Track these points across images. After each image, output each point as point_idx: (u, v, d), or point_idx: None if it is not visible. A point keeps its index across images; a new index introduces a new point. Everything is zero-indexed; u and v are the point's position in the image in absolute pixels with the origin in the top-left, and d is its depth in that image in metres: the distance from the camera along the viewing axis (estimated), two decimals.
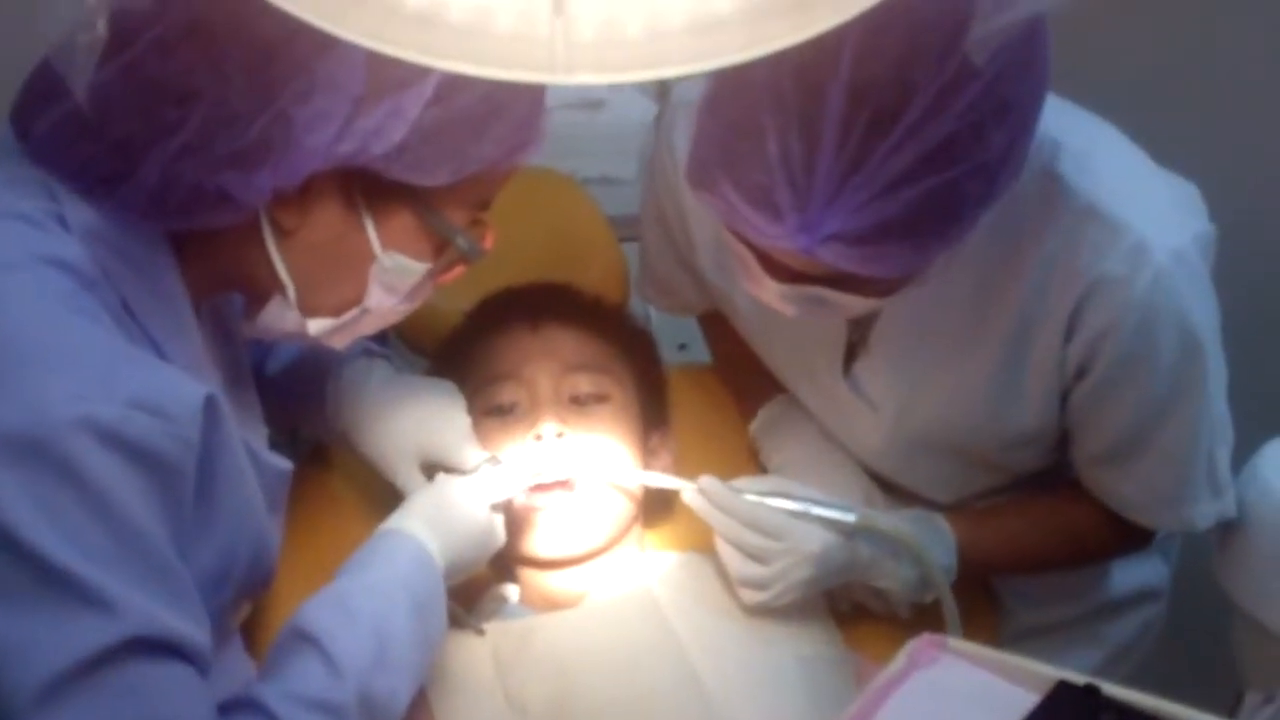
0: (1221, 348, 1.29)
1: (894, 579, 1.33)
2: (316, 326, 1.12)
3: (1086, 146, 1.24)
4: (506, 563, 1.39)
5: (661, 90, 2.48)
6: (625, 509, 1.39)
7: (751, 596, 1.30)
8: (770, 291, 1.18)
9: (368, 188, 1.05)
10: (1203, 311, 1.25)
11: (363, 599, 1.12)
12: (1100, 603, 1.58)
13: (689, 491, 1.32)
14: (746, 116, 1.07)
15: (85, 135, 0.99)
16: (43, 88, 1.01)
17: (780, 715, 1.25)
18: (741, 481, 1.32)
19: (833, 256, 1.08)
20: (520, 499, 1.31)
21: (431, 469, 1.30)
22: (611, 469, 1.36)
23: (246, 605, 1.20)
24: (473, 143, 1.04)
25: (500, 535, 1.28)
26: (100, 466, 0.91)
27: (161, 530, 0.95)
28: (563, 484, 1.33)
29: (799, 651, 1.33)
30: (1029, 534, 1.42)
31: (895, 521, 1.33)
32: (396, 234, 1.08)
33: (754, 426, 1.53)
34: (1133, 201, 1.23)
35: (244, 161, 0.98)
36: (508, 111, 1.05)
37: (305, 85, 0.98)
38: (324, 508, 1.44)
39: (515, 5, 0.68)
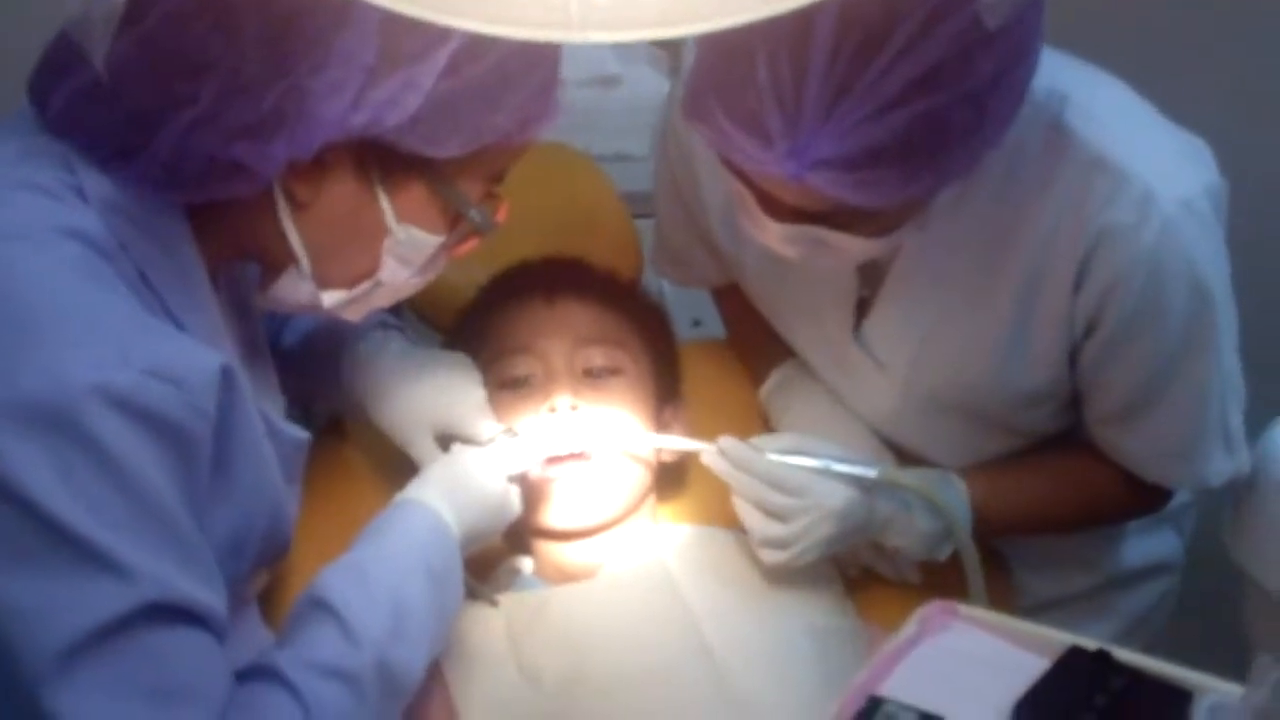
0: (1233, 301, 1.28)
1: (910, 535, 1.33)
2: (330, 299, 1.12)
3: (1093, 99, 1.24)
4: (520, 535, 1.40)
5: (674, 65, 2.48)
6: (639, 480, 1.40)
7: (772, 556, 1.30)
8: (771, 233, 1.19)
9: (381, 160, 1.06)
10: (1213, 262, 1.25)
11: (379, 568, 1.12)
12: (1113, 575, 1.58)
13: (709, 452, 1.32)
14: (738, 44, 1.08)
15: (101, 107, 1.00)
16: (60, 59, 1.02)
17: (793, 687, 1.26)
18: (760, 440, 1.32)
19: (823, 183, 1.08)
20: (535, 471, 1.32)
21: (446, 440, 1.31)
22: (628, 436, 1.37)
23: (263, 574, 1.21)
24: (486, 114, 1.04)
25: (516, 506, 1.28)
26: (117, 434, 0.91)
27: (177, 497, 0.96)
28: (577, 455, 1.34)
29: (811, 623, 1.34)
30: (1044, 493, 1.42)
31: (915, 476, 1.34)
32: (410, 206, 1.08)
33: (764, 390, 1.53)
34: (1140, 152, 1.22)
35: (258, 132, 0.99)
36: (521, 83, 1.05)
37: (319, 56, 0.98)
38: (340, 479, 1.45)
39: None
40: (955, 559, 1.35)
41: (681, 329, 1.62)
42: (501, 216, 1.15)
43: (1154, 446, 1.35)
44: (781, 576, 1.36)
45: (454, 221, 1.12)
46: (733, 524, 1.40)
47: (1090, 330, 1.28)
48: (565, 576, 1.38)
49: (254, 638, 1.20)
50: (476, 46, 1.01)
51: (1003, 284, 1.28)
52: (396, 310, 1.36)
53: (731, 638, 1.29)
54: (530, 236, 1.47)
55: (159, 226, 1.03)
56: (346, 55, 0.98)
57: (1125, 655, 0.91)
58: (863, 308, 1.38)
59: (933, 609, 0.99)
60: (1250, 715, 0.83)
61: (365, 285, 1.12)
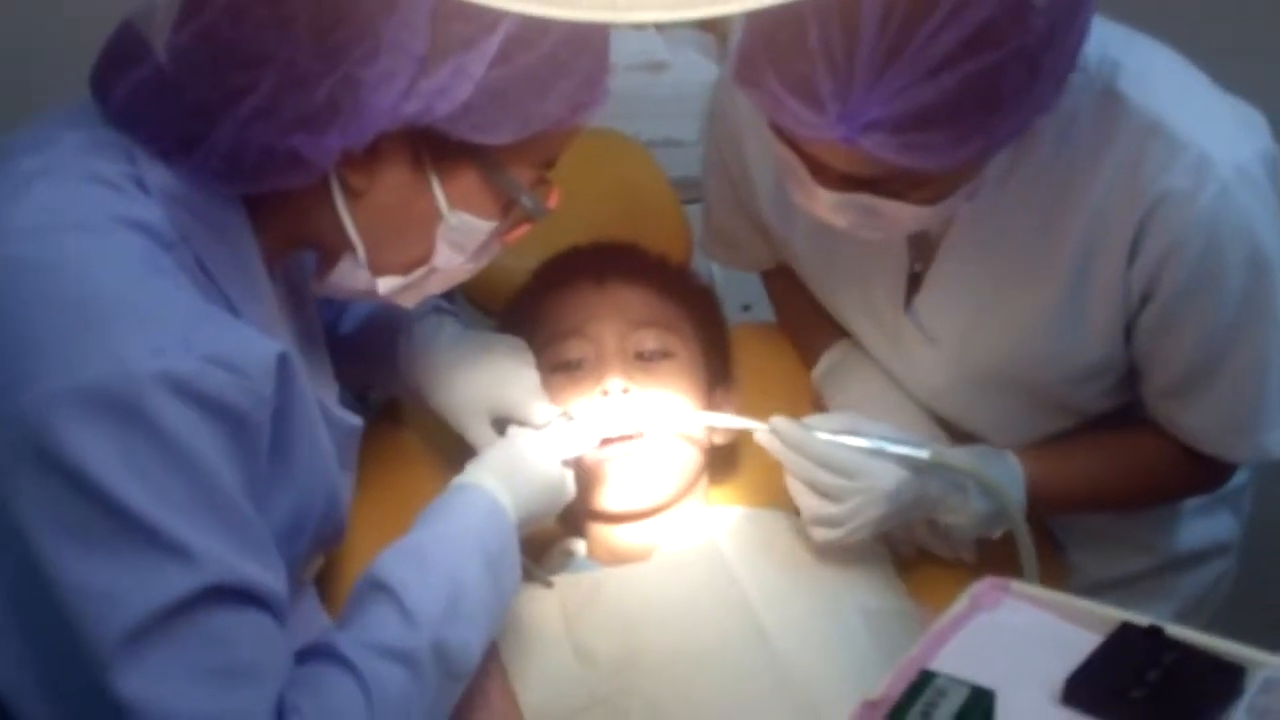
0: None
1: (963, 514, 1.33)
2: (386, 285, 1.14)
3: (1147, 66, 1.23)
4: (574, 517, 1.41)
5: (722, 51, 2.48)
6: (692, 462, 1.40)
7: (824, 535, 1.30)
8: (820, 201, 1.18)
9: (434, 148, 1.07)
10: (1269, 228, 1.23)
11: (437, 550, 1.13)
12: (1168, 556, 1.57)
13: (762, 431, 1.32)
14: (789, 8, 1.07)
15: (162, 99, 1.02)
16: (121, 51, 1.04)
17: (845, 668, 1.26)
18: (813, 419, 1.32)
19: (873, 146, 1.08)
20: (590, 454, 1.33)
21: (501, 424, 1.32)
22: (682, 417, 1.37)
23: (319, 558, 1.23)
24: (536, 101, 1.05)
25: (570, 489, 1.29)
26: (179, 420, 0.93)
27: (238, 483, 0.97)
28: (631, 437, 1.35)
29: (864, 604, 1.34)
30: (1099, 470, 1.40)
31: (967, 456, 1.33)
32: (463, 193, 1.10)
33: (816, 372, 1.53)
34: (1195, 118, 1.21)
35: (313, 123, 1.00)
36: (571, 69, 1.06)
37: (371, 47, 0.99)
38: (397, 463, 1.46)
39: None
40: (1008, 539, 1.35)
41: (731, 313, 1.62)
42: (553, 202, 1.16)
43: (1214, 418, 1.33)
44: (834, 557, 1.36)
45: (506, 207, 1.13)
46: (785, 506, 1.41)
47: (1146, 300, 1.26)
48: (619, 558, 1.39)
49: (311, 621, 1.22)
50: (527, 34, 1.02)
51: (1057, 254, 1.27)
52: (449, 296, 1.38)
53: (784, 618, 1.29)
54: (580, 222, 1.48)
55: (218, 217, 1.05)
56: (398, 45, 1.00)
57: (1177, 631, 0.91)
58: (914, 282, 1.38)
59: (984, 585, 0.98)
60: None
61: (420, 271, 1.14)
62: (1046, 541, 1.48)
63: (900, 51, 1.05)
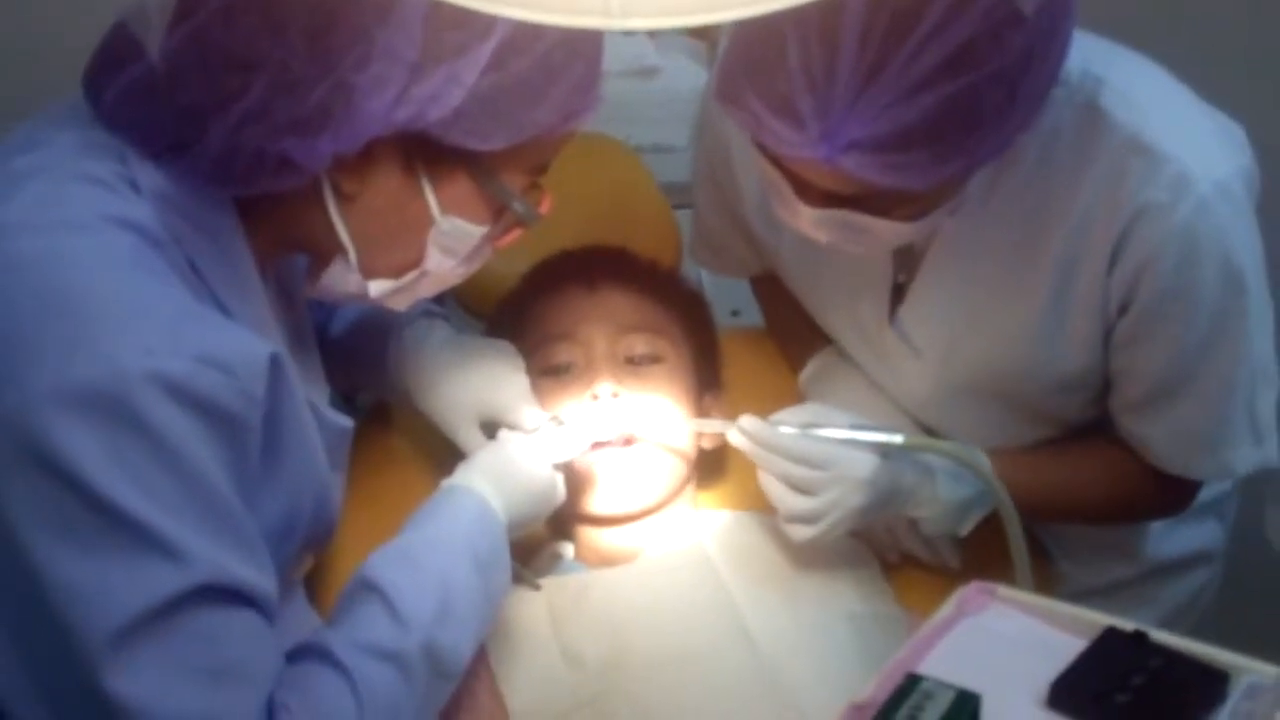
0: (1266, 287, 1.28)
1: (934, 505, 1.33)
2: (377, 288, 1.14)
3: (1129, 81, 1.24)
4: (562, 520, 1.42)
5: (712, 57, 2.49)
6: (680, 466, 1.41)
7: (801, 533, 1.28)
8: (804, 218, 1.19)
9: (426, 153, 1.07)
10: (1246, 245, 1.24)
11: (427, 552, 1.14)
12: (1154, 564, 1.58)
13: (732, 432, 1.32)
14: (769, 27, 1.08)
15: (153, 101, 1.01)
16: (114, 53, 1.04)
17: (832, 672, 1.26)
18: (782, 414, 1.31)
19: (854, 165, 1.09)
20: (580, 457, 1.33)
21: (491, 427, 1.32)
22: (662, 422, 1.38)
23: (309, 558, 1.23)
24: (529, 108, 1.05)
25: (561, 492, 1.30)
26: (169, 420, 0.93)
27: (228, 482, 0.97)
28: (621, 442, 1.35)
29: (851, 609, 1.34)
30: (1065, 477, 1.40)
31: (942, 442, 1.33)
32: (454, 198, 1.10)
33: (803, 377, 1.54)
34: (1176, 133, 1.22)
35: (304, 128, 1.00)
36: (563, 76, 1.06)
37: (363, 53, 0.99)
38: (386, 465, 1.47)
39: None
40: (993, 544, 1.36)
41: (720, 318, 1.63)
42: (544, 208, 1.16)
43: (1179, 434, 1.33)
44: (820, 562, 1.37)
45: (498, 212, 1.13)
46: (771, 510, 1.41)
47: (1123, 310, 1.27)
48: (606, 561, 1.39)
49: (301, 620, 1.22)
50: (520, 41, 1.02)
51: (1039, 267, 1.28)
52: (440, 298, 1.38)
53: (770, 622, 1.29)
54: (570, 226, 1.49)
55: (209, 219, 1.05)
56: (390, 51, 1.00)
57: (1162, 636, 0.91)
58: (898, 294, 1.39)
59: (970, 590, 0.99)
60: None
61: (411, 275, 1.14)
62: (1031, 548, 1.47)
63: (880, 71, 1.06)
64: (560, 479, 1.29)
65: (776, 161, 1.18)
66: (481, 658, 1.27)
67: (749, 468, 1.39)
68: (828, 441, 1.28)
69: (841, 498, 1.27)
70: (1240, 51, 1.75)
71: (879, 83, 1.06)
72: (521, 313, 1.46)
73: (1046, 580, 1.47)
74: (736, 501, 1.49)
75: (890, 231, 1.19)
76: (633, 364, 1.41)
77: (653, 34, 2.37)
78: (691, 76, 2.29)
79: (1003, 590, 0.99)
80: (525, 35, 1.02)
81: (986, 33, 1.05)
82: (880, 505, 1.31)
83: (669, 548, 1.39)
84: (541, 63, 1.04)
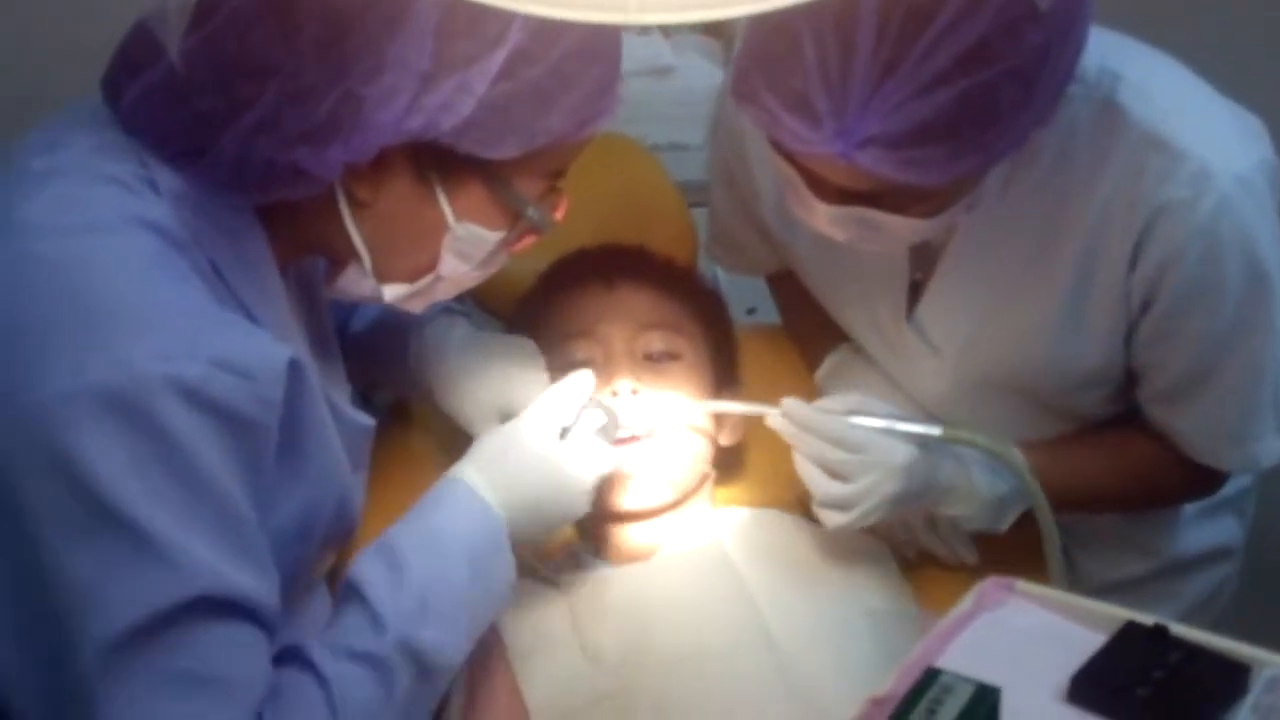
0: None
1: (972, 502, 1.33)
2: (392, 292, 1.14)
3: (1147, 77, 1.24)
4: (582, 516, 1.41)
5: (727, 56, 2.49)
6: (701, 459, 1.41)
7: (834, 519, 1.28)
8: (819, 215, 1.19)
9: (439, 160, 1.07)
10: (1269, 239, 1.24)
11: (411, 548, 1.11)
12: (1172, 560, 1.57)
13: (773, 415, 1.31)
14: (784, 24, 1.08)
15: (170, 106, 1.02)
16: (132, 56, 1.04)
17: (850, 668, 1.26)
18: (823, 401, 1.32)
19: (870, 161, 1.09)
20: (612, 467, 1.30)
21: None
22: (692, 407, 1.38)
23: (331, 556, 1.23)
24: (541, 116, 1.05)
25: (586, 499, 1.24)
26: (184, 424, 0.93)
27: (240, 489, 0.97)
28: (641, 438, 1.35)
29: (869, 605, 1.34)
30: (1100, 469, 1.41)
31: (979, 435, 1.31)
32: (469, 204, 1.10)
33: (819, 374, 1.54)
34: (1195, 129, 1.22)
35: (315, 137, 1.00)
36: (577, 84, 1.05)
37: (374, 63, 0.99)
38: (406, 463, 1.47)
39: None
40: (1009, 540, 1.36)
41: (736, 316, 1.62)
42: (560, 213, 1.15)
43: (1206, 426, 1.34)
44: (838, 558, 1.37)
45: (514, 217, 1.12)
46: (790, 507, 1.41)
47: (1146, 307, 1.27)
48: (625, 557, 1.39)
49: (321, 616, 1.22)
50: (533, 49, 1.02)
51: (1057, 264, 1.28)
52: (459, 296, 1.38)
53: (789, 618, 1.30)
54: (587, 225, 1.49)
55: (229, 220, 1.05)
56: (401, 61, 0.99)
57: (1182, 630, 0.91)
58: (915, 291, 1.39)
59: (989, 584, 0.99)
60: None
61: (426, 279, 1.14)
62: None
63: (896, 67, 1.06)
64: (589, 484, 1.25)
65: (792, 159, 1.18)
66: (500, 653, 1.28)
67: (768, 465, 1.40)
68: (866, 430, 1.28)
69: (876, 484, 1.26)
70: (1258, 44, 1.74)
71: (894, 79, 1.06)
72: (540, 311, 1.46)
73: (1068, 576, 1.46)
74: (755, 499, 1.49)
75: (907, 228, 1.19)
76: (651, 361, 1.41)
77: (668, 33, 2.37)
78: (707, 75, 2.29)
79: (1021, 585, 1.00)
80: (538, 43, 1.02)
81: (1002, 28, 1.05)
82: (915, 496, 1.30)
83: (687, 544, 1.39)
84: (554, 71, 1.03)
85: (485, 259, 1.14)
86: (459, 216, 1.09)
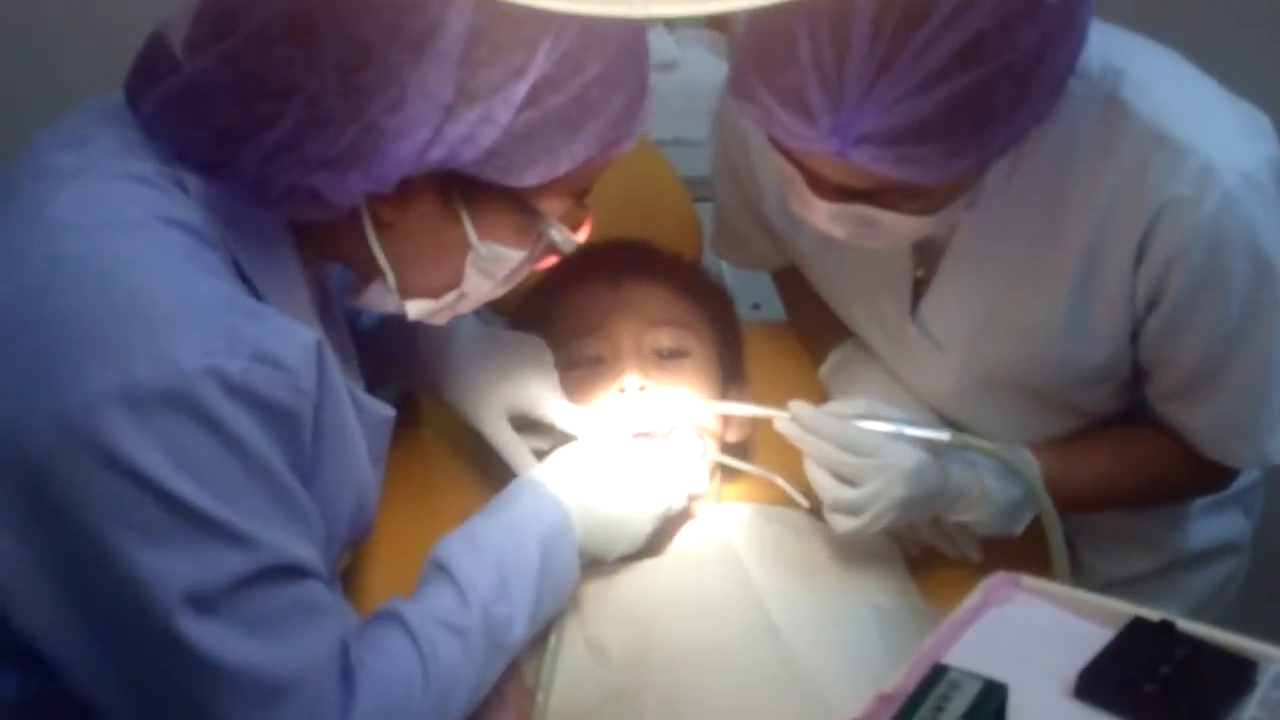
0: None
1: (984, 507, 1.32)
2: (416, 309, 1.15)
3: (1151, 73, 1.24)
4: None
5: (732, 49, 2.48)
6: (710, 461, 1.41)
7: (844, 524, 1.28)
8: (819, 212, 1.19)
9: (463, 186, 1.06)
10: (1275, 235, 1.23)
11: (490, 535, 1.21)
12: (1179, 555, 1.58)
13: (782, 418, 1.32)
14: (780, 21, 1.08)
15: (188, 117, 1.02)
16: (151, 64, 1.04)
17: (857, 665, 1.26)
18: (833, 405, 1.32)
19: (866, 159, 1.08)
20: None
21: (519, 421, 1.33)
22: (704, 407, 1.39)
23: (347, 554, 1.24)
24: (565, 144, 1.04)
25: (647, 533, 1.32)
26: (230, 414, 0.94)
27: (287, 470, 1.00)
28: (649, 435, 1.35)
29: (875, 602, 1.34)
30: (1109, 468, 1.40)
31: (988, 442, 1.32)
32: (492, 226, 1.09)
33: (823, 370, 1.54)
34: (1199, 125, 1.22)
35: (336, 165, 1.00)
36: (602, 110, 1.04)
37: (396, 94, 0.99)
38: (414, 458, 1.46)
39: None
40: (1019, 537, 1.35)
41: (742, 312, 1.63)
42: (584, 234, 1.15)
43: (1216, 422, 1.34)
44: (844, 555, 1.37)
45: (537, 237, 1.12)
46: (796, 504, 1.41)
47: (1152, 305, 1.27)
48: (631, 553, 1.39)
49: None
50: (557, 78, 1.01)
51: (1061, 261, 1.28)
52: None
53: (795, 614, 1.29)
54: (593, 221, 1.48)
55: (255, 223, 1.06)
56: (423, 93, 0.99)
57: (1189, 626, 0.91)
58: (919, 288, 1.38)
59: (996, 580, 0.99)
60: None
61: (450, 296, 1.15)
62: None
63: (891, 64, 1.05)
64: (655, 522, 1.32)
65: (790, 156, 1.18)
66: None
67: (774, 461, 1.40)
68: (874, 434, 1.28)
69: (885, 488, 1.27)
70: (1262, 39, 1.74)
71: (890, 76, 1.06)
72: (546, 308, 1.46)
73: (1073, 568, 1.46)
74: (761, 495, 1.48)
75: (906, 226, 1.19)
76: (660, 358, 1.41)
77: (672, 27, 2.37)
78: (711, 70, 2.29)
79: (1028, 580, 0.99)
80: (562, 72, 1.01)
81: (998, 24, 1.05)
82: (924, 501, 1.30)
83: (693, 540, 1.39)
84: (579, 99, 1.03)
85: (508, 276, 1.15)
86: (482, 237, 1.10)
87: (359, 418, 1.15)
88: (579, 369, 1.40)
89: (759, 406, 1.37)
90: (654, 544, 1.38)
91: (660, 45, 2.28)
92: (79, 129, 1.06)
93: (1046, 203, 1.27)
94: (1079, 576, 1.51)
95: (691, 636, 1.28)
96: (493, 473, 1.38)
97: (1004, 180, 1.25)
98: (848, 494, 1.28)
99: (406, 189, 1.04)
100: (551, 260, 1.17)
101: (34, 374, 0.92)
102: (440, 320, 1.19)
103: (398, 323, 1.38)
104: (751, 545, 1.38)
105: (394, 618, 1.13)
